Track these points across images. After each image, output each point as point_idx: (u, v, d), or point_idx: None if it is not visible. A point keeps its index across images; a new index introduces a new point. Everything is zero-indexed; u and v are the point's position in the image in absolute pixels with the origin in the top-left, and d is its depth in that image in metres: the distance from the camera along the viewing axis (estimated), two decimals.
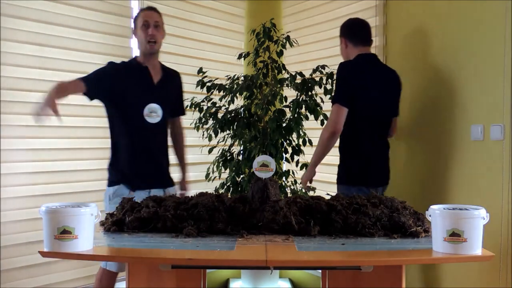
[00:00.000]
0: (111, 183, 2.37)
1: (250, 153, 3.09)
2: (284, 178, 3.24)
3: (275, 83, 3.24)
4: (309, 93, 3.09)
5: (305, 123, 3.13)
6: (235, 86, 3.20)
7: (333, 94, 2.46)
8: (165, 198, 1.85)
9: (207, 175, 3.24)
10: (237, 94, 3.21)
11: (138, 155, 2.33)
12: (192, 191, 2.52)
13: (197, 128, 3.18)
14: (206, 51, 3.57)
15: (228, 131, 3.20)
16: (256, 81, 3.16)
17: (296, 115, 3.08)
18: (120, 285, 2.96)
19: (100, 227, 1.74)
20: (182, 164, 2.67)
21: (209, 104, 3.21)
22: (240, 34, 3.81)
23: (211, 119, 3.18)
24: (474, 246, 1.42)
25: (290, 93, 3.25)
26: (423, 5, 2.76)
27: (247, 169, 3.17)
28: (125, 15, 3.11)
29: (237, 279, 3.45)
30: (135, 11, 3.15)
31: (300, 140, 3.16)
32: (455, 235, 1.41)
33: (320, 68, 3.05)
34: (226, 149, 3.27)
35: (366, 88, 2.41)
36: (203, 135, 3.20)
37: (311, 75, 3.13)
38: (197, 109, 3.18)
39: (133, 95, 2.32)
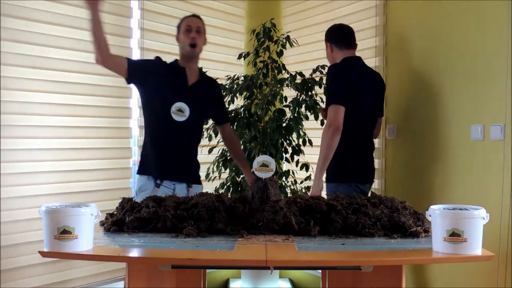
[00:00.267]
0: (138, 170, 2.46)
1: (250, 153, 3.09)
2: (284, 178, 3.24)
3: (275, 83, 3.24)
4: (309, 93, 3.09)
5: (305, 123, 3.14)
6: (235, 86, 3.20)
7: (326, 97, 2.49)
8: (165, 198, 1.85)
9: (207, 175, 3.24)
10: (237, 94, 3.21)
11: (162, 150, 2.40)
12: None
13: None
14: (206, 51, 3.53)
15: None
16: (256, 81, 3.16)
17: (296, 115, 3.08)
18: (119, 285, 2.97)
19: (100, 227, 1.74)
20: (244, 164, 2.66)
21: None
22: (240, 34, 3.81)
23: (210, 119, 3.18)
24: (474, 246, 1.42)
25: (290, 93, 3.25)
26: (423, 5, 2.76)
27: None
28: (125, 15, 3.11)
29: (237, 279, 3.45)
30: (135, 11, 3.15)
31: (300, 140, 3.16)
32: (455, 235, 1.41)
33: (320, 68, 3.06)
34: (226, 149, 3.27)
35: (355, 88, 2.47)
36: (202, 135, 3.19)
37: (311, 75, 3.13)
38: None
39: (165, 92, 2.40)
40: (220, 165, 3.21)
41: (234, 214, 1.71)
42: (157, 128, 2.42)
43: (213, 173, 3.25)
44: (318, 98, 3.09)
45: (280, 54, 3.25)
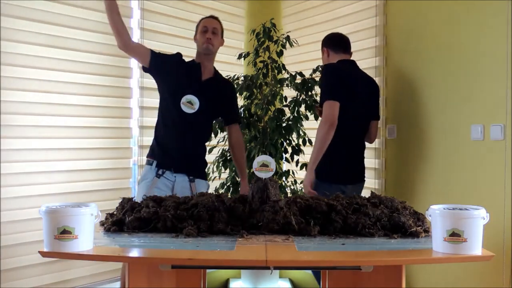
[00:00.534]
0: (147, 155, 2.54)
1: (250, 153, 3.09)
2: (284, 178, 3.24)
3: (275, 83, 3.24)
4: (309, 93, 3.09)
5: (305, 123, 3.14)
6: (235, 86, 3.20)
7: (321, 94, 2.55)
8: (165, 198, 1.85)
9: (207, 175, 3.24)
10: (237, 94, 3.21)
11: (168, 139, 2.48)
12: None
13: None
14: None
15: None
16: (256, 81, 3.16)
17: (295, 115, 3.09)
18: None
19: (100, 227, 1.74)
20: (242, 172, 2.69)
21: None
22: (240, 34, 3.81)
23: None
24: (474, 246, 1.42)
25: (290, 93, 3.25)
26: (423, 5, 2.76)
27: (247, 169, 3.17)
28: (125, 15, 3.10)
29: (237, 279, 3.45)
30: (135, 11, 3.15)
31: (300, 140, 3.16)
32: (455, 235, 1.41)
33: (320, 68, 3.06)
34: (226, 149, 3.27)
35: (348, 89, 2.51)
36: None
37: (311, 75, 3.13)
38: None
39: (178, 84, 2.48)
40: (220, 165, 3.21)
41: (234, 214, 1.71)
42: (167, 118, 2.50)
43: (213, 173, 3.25)
44: (318, 98, 3.08)
45: (280, 54, 3.25)
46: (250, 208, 1.73)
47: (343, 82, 2.50)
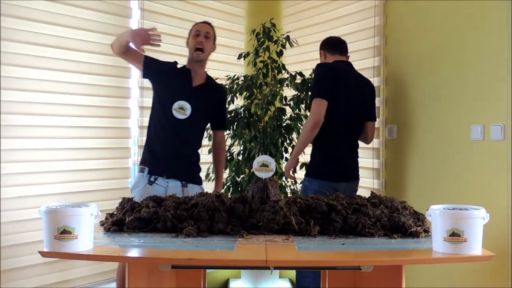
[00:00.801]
0: (140, 163, 2.54)
1: (250, 153, 3.09)
2: (284, 178, 3.24)
3: (275, 83, 3.24)
4: (309, 93, 3.09)
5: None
6: (235, 86, 3.20)
7: (311, 91, 2.61)
8: (165, 198, 1.85)
9: (207, 175, 3.24)
10: (237, 94, 3.21)
11: (159, 144, 2.47)
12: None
13: None
14: None
15: (228, 131, 3.20)
16: (256, 81, 3.17)
17: (297, 112, 3.09)
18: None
19: (100, 227, 1.74)
20: (218, 177, 2.74)
21: None
22: (240, 34, 3.81)
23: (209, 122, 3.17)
24: (474, 246, 1.42)
25: (290, 93, 3.25)
26: (423, 5, 2.76)
27: (247, 169, 3.17)
28: (125, 15, 3.11)
29: (237, 279, 3.45)
30: (135, 11, 3.15)
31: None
32: (455, 235, 1.41)
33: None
34: (226, 149, 3.27)
35: (340, 88, 2.55)
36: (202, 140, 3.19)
37: (311, 75, 3.13)
38: None
39: (170, 90, 2.49)
40: None
41: (234, 214, 1.71)
42: (158, 124, 2.49)
43: (213, 173, 3.25)
44: None
45: (280, 54, 3.25)
46: (250, 208, 1.73)
47: (334, 81, 2.53)
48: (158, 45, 2.42)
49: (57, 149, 2.80)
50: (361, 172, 3.09)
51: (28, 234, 2.65)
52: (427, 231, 1.64)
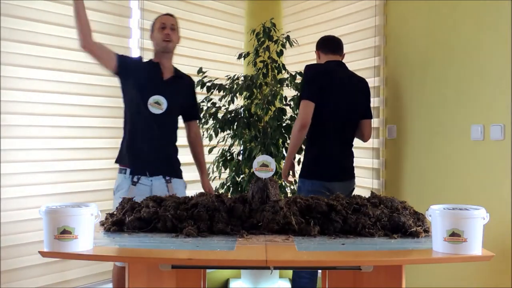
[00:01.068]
0: (116, 159, 2.50)
1: (250, 153, 3.09)
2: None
3: (275, 83, 3.24)
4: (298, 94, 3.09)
5: None
6: (235, 86, 3.20)
7: (300, 93, 2.63)
8: (165, 198, 1.85)
9: (207, 175, 3.24)
10: (237, 94, 3.21)
11: (139, 143, 2.43)
12: (192, 191, 2.52)
13: None
14: (206, 51, 3.57)
15: (228, 131, 3.20)
16: (256, 81, 3.17)
17: (295, 115, 3.09)
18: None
19: (100, 227, 1.74)
20: (202, 167, 2.71)
21: (209, 104, 3.22)
22: (240, 34, 3.81)
23: (211, 119, 3.18)
24: (474, 246, 1.42)
25: (290, 93, 3.25)
26: (423, 5, 2.76)
27: (247, 169, 3.17)
28: (125, 15, 3.11)
29: (237, 279, 3.45)
30: (135, 11, 3.15)
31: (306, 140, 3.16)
32: (455, 235, 1.41)
33: None
34: (226, 149, 3.27)
35: (329, 88, 2.55)
36: (203, 135, 3.20)
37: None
38: None
39: (141, 87, 2.44)
40: (220, 165, 3.21)
41: (234, 214, 1.71)
42: (135, 121, 2.45)
43: (213, 173, 3.25)
44: None
45: (280, 54, 3.26)
46: (250, 208, 1.73)
47: (322, 82, 2.54)
48: None
49: (57, 149, 2.80)
50: (361, 172, 3.10)
51: (28, 235, 2.65)
52: (427, 231, 1.64)
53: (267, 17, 3.32)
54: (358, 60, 3.15)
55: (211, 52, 3.59)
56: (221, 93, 3.23)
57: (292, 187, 3.21)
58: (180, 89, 2.56)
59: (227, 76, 3.31)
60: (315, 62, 2.80)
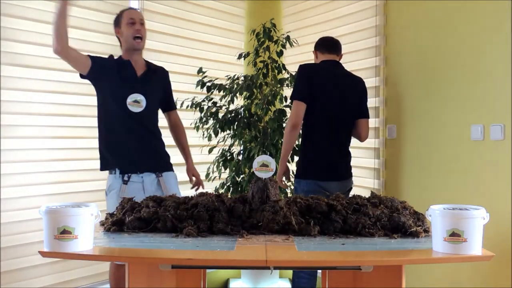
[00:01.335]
0: (101, 166, 2.45)
1: (250, 153, 3.09)
2: (284, 178, 3.24)
3: (275, 83, 3.24)
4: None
5: None
6: (235, 86, 3.20)
7: (291, 92, 2.61)
8: (165, 198, 1.85)
9: (207, 175, 3.24)
10: (237, 94, 3.21)
11: (123, 143, 2.40)
12: (192, 191, 2.53)
13: (197, 128, 3.19)
14: (206, 51, 3.57)
15: (228, 131, 3.20)
16: (256, 81, 3.17)
17: None
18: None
19: (100, 227, 1.74)
20: (186, 153, 2.68)
21: (209, 104, 3.22)
22: (240, 34, 3.81)
23: (211, 119, 3.18)
24: (474, 246, 1.41)
25: (290, 93, 3.24)
26: (423, 5, 2.76)
27: (247, 169, 3.17)
28: None
29: (237, 279, 3.45)
30: None
31: (300, 140, 3.16)
32: (455, 235, 1.41)
33: None
34: (226, 149, 3.27)
35: (324, 88, 2.55)
36: (203, 135, 3.20)
37: None
38: (198, 109, 3.18)
39: (117, 85, 2.40)
40: (220, 165, 3.21)
41: (234, 214, 1.71)
42: (115, 122, 2.41)
43: (213, 173, 3.25)
44: None
45: (280, 54, 3.26)
46: (250, 208, 1.73)
47: (314, 82, 2.53)
48: None
49: (57, 149, 2.80)
50: (361, 172, 3.10)
51: (28, 235, 2.65)
52: (427, 231, 1.64)
53: (267, 17, 3.32)
54: (358, 60, 3.16)
55: (211, 52, 3.60)
56: (221, 93, 3.23)
57: (292, 186, 3.21)
58: (156, 83, 2.54)
59: (227, 76, 3.31)
60: (313, 62, 2.80)
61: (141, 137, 2.43)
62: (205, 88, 3.20)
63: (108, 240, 1.58)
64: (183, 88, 3.31)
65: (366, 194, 1.89)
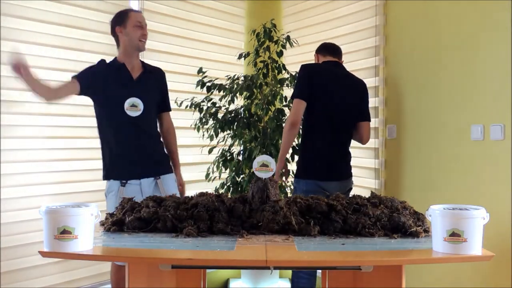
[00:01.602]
0: (104, 176, 2.44)
1: (250, 153, 3.09)
2: (284, 178, 3.24)
3: (275, 83, 3.24)
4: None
5: None
6: (235, 86, 3.20)
7: (293, 91, 2.62)
8: (165, 198, 1.85)
9: (207, 175, 3.24)
10: (237, 94, 3.21)
11: (127, 150, 2.39)
12: (192, 191, 2.52)
13: (197, 128, 3.19)
14: (206, 51, 3.57)
15: (228, 131, 3.20)
16: (256, 81, 3.17)
17: None
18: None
19: (100, 227, 1.74)
20: (175, 160, 2.65)
21: (209, 104, 3.22)
22: (240, 34, 3.81)
23: (211, 119, 3.18)
24: (474, 246, 1.42)
25: (290, 93, 3.24)
26: (423, 5, 2.77)
27: (247, 169, 3.17)
28: None
29: (237, 279, 3.45)
30: None
31: (300, 140, 3.16)
32: (455, 235, 1.41)
33: None
34: (226, 149, 3.27)
35: (325, 88, 2.56)
36: (203, 135, 3.20)
37: None
38: (197, 109, 3.18)
39: (113, 91, 2.39)
40: (220, 165, 3.21)
41: (234, 214, 1.71)
42: (114, 129, 2.39)
43: (213, 173, 3.25)
44: None
45: (280, 54, 3.26)
46: (250, 208, 1.73)
47: (315, 82, 2.54)
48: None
49: (57, 149, 2.80)
50: (361, 172, 3.10)
51: (28, 235, 2.65)
52: (427, 231, 1.64)
53: (267, 17, 3.32)
54: (358, 60, 3.16)
55: (211, 52, 3.60)
56: (221, 93, 3.23)
57: (292, 186, 3.21)
58: (152, 84, 2.52)
59: (227, 76, 3.31)
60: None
61: (141, 143, 2.41)
62: (205, 88, 3.20)
63: (108, 240, 1.58)
64: (183, 88, 3.31)
65: (366, 194, 1.89)
